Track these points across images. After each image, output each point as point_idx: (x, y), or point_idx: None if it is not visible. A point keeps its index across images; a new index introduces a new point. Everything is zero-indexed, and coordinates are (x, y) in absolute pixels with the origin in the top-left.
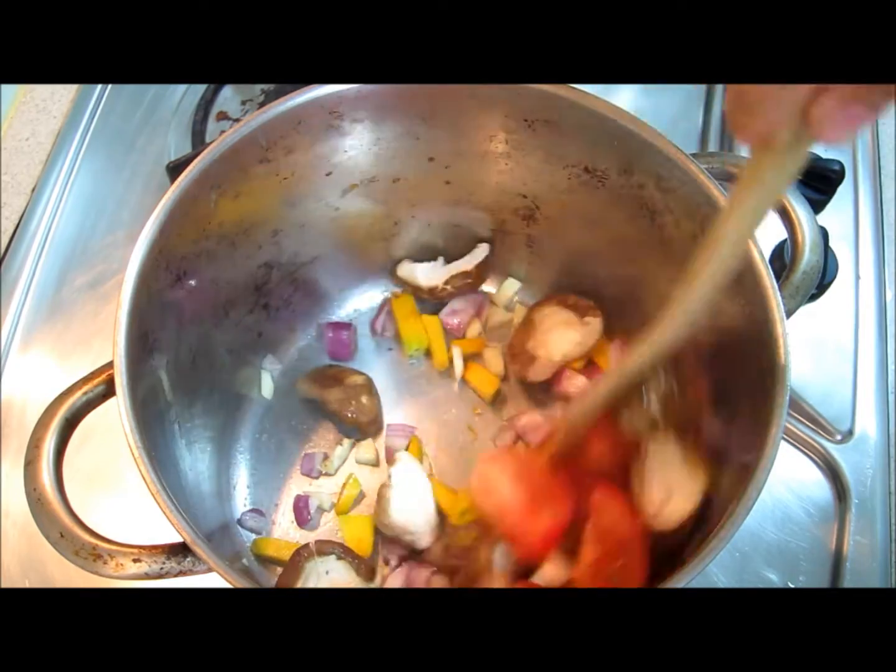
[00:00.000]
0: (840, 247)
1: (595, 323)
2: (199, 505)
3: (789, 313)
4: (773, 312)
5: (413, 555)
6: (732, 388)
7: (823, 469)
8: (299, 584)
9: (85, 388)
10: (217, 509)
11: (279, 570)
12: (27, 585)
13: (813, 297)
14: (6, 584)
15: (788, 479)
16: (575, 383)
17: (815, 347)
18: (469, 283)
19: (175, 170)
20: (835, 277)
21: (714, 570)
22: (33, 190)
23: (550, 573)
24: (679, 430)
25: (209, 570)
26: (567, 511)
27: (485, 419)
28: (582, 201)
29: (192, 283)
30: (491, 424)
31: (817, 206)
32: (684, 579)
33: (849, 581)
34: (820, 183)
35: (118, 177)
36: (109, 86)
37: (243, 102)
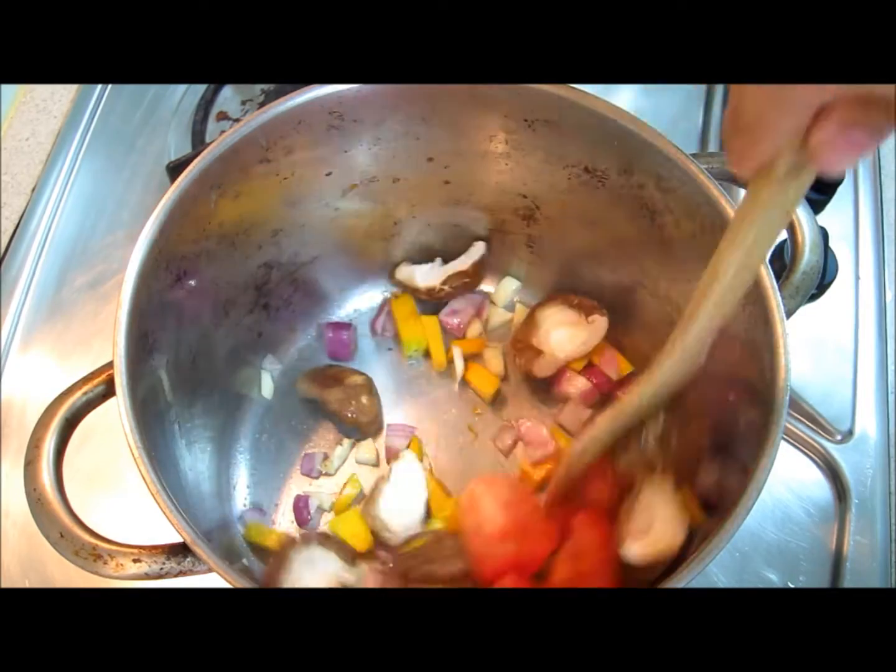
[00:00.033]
0: (840, 247)
1: (600, 322)
2: (199, 505)
3: (789, 313)
4: (773, 312)
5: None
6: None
7: (823, 469)
8: (285, 574)
9: (85, 388)
10: (217, 509)
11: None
12: (27, 585)
13: (813, 297)
14: (6, 584)
15: (788, 479)
16: (575, 384)
17: (815, 347)
18: (467, 283)
19: (175, 170)
20: (835, 277)
21: (714, 570)
22: (33, 190)
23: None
24: (675, 473)
25: (209, 570)
26: (543, 553)
27: (485, 419)
28: (582, 201)
29: (192, 283)
30: (491, 424)
31: (817, 206)
32: (684, 579)
33: (849, 581)
34: (820, 183)
35: (118, 177)
36: (109, 86)
37: (243, 102)
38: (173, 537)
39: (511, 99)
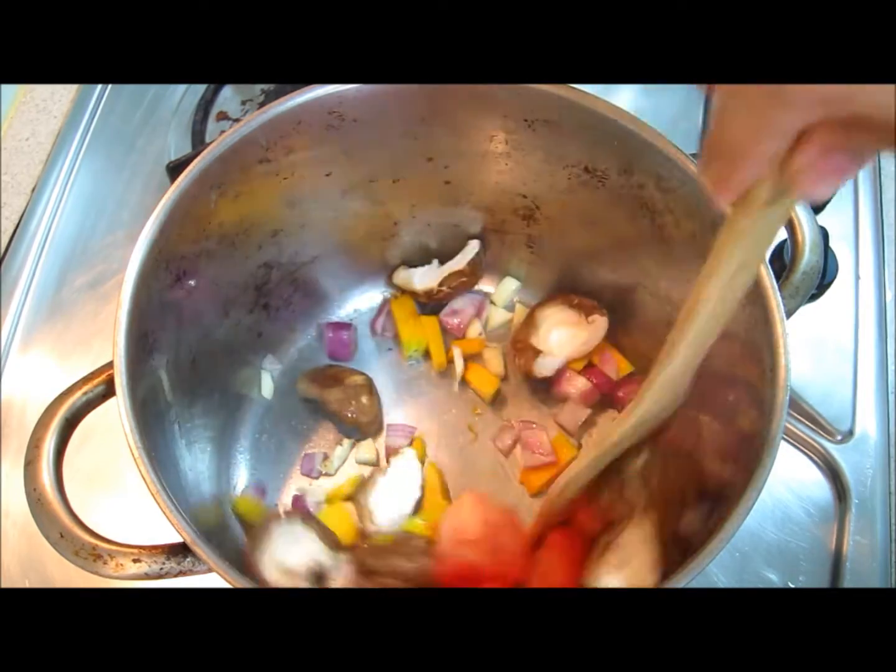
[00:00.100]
0: (840, 247)
1: (600, 321)
2: (199, 505)
3: (789, 313)
4: (773, 312)
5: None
6: (732, 389)
7: (823, 469)
8: (264, 545)
9: (85, 389)
10: (217, 509)
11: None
12: (27, 585)
13: (813, 297)
14: (6, 584)
15: (788, 479)
16: (575, 384)
17: (815, 347)
18: (464, 282)
19: (175, 170)
20: (835, 277)
21: (714, 570)
22: (33, 190)
23: None
24: (658, 514)
25: (209, 570)
26: (507, 576)
27: (485, 419)
28: (582, 201)
29: (192, 283)
30: (491, 424)
31: (817, 207)
32: (684, 579)
33: (849, 581)
34: None
35: (118, 177)
36: (109, 86)
37: (243, 102)
38: (173, 537)
39: (511, 99)
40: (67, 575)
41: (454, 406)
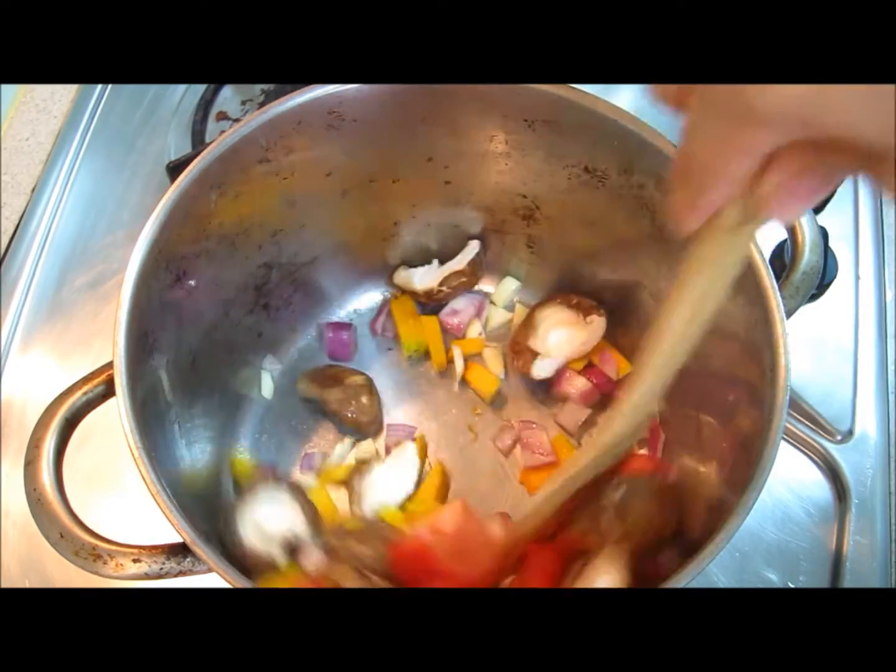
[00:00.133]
0: (840, 247)
1: (598, 322)
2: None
3: (789, 313)
4: (772, 312)
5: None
6: (732, 389)
7: (823, 469)
8: (247, 502)
9: (85, 389)
10: (217, 509)
11: None
12: (27, 585)
13: (813, 297)
14: (6, 584)
15: (788, 479)
16: (575, 384)
17: (815, 347)
18: (464, 282)
19: (175, 170)
20: (835, 277)
21: (714, 570)
22: (33, 190)
23: None
24: (630, 547)
25: (209, 570)
26: (453, 583)
27: (485, 419)
28: (582, 201)
29: (192, 283)
30: (491, 424)
31: (817, 207)
32: (684, 579)
33: (849, 581)
34: None
35: (118, 177)
36: (109, 86)
37: (243, 102)
38: (173, 537)
39: (511, 99)
40: (67, 575)
41: (454, 406)
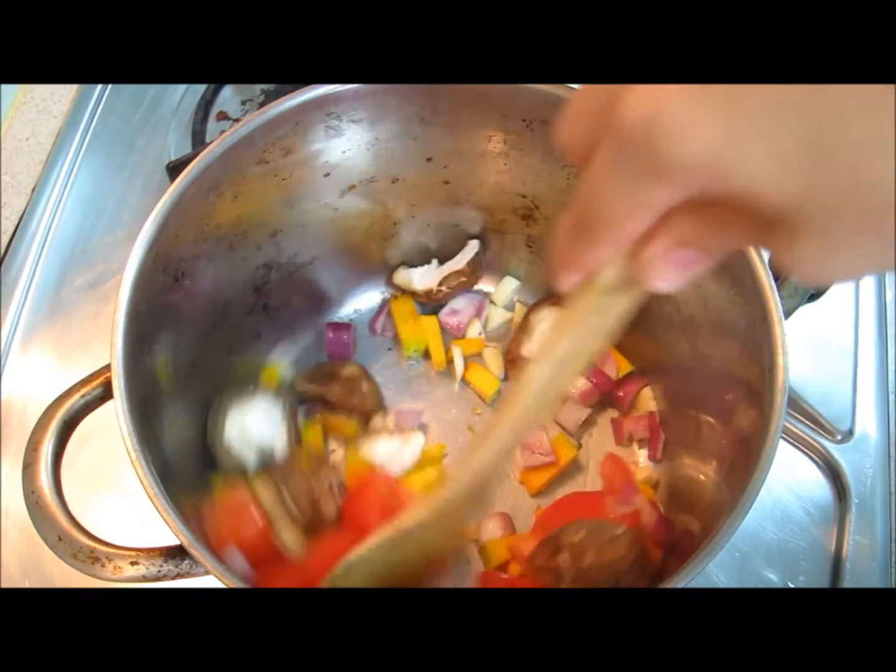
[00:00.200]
0: None
1: None
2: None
3: (788, 313)
4: (771, 313)
5: None
6: (731, 389)
7: (823, 469)
8: (242, 406)
9: (83, 391)
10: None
11: None
12: (27, 585)
13: (812, 298)
14: (6, 584)
15: (788, 479)
16: (574, 384)
17: (815, 347)
18: (464, 282)
19: (175, 170)
20: None
21: (714, 570)
22: (33, 190)
23: None
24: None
25: (206, 572)
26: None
27: (485, 419)
28: None
29: (191, 284)
30: None
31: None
32: (684, 579)
33: (849, 581)
34: None
35: (118, 177)
36: (109, 86)
37: (243, 102)
38: (171, 540)
39: (509, 99)
40: (67, 575)
41: (454, 406)
